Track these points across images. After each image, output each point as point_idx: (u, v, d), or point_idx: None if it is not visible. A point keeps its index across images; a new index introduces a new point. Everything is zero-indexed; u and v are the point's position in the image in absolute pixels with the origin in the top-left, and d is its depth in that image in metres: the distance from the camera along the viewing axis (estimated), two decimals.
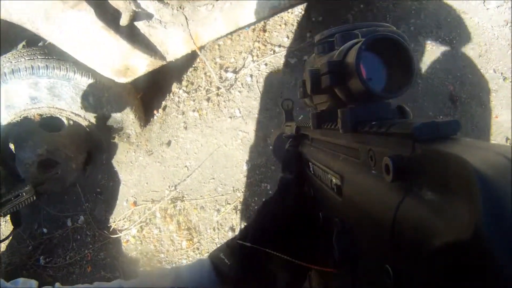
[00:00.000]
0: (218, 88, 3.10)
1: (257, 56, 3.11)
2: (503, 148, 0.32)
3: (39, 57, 2.13)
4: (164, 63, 2.20)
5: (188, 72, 3.25)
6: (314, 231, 0.83)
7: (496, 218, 0.26)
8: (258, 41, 3.14)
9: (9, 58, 2.22)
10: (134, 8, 1.89)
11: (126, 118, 2.79)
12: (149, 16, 1.98)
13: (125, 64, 2.10)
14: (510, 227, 0.26)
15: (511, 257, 0.25)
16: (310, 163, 0.85)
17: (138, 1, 1.92)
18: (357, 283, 0.59)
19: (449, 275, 0.31)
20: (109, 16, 1.88)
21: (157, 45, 2.06)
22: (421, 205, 0.37)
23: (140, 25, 1.99)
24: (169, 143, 3.08)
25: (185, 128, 3.09)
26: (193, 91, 3.18)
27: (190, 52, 2.17)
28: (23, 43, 2.49)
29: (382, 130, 0.49)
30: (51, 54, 2.11)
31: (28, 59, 2.13)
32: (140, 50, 2.03)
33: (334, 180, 0.66)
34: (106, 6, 1.87)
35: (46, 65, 2.12)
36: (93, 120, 2.65)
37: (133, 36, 2.00)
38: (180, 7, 1.96)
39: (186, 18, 1.97)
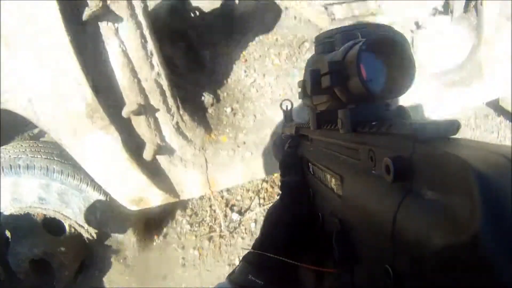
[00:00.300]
0: (221, 230, 2.97)
1: (264, 199, 3.01)
2: (503, 149, 0.31)
3: (55, 158, 2.12)
4: (177, 200, 2.22)
5: (193, 199, 3.12)
6: (315, 231, 0.81)
7: (496, 219, 0.26)
8: (267, 182, 3.06)
9: (25, 149, 2.21)
10: (159, 142, 1.94)
11: (128, 241, 2.77)
12: (171, 152, 2.00)
13: (140, 195, 2.11)
14: (510, 227, 0.25)
15: (510, 258, 0.24)
16: (309, 164, 0.84)
17: (164, 134, 1.95)
18: (357, 284, 0.58)
19: (449, 275, 0.30)
20: (134, 146, 1.90)
21: (175, 183, 2.07)
22: (421, 205, 0.37)
23: (161, 159, 2.00)
24: (164, 277, 2.91)
25: (183, 265, 2.93)
26: (196, 225, 3.04)
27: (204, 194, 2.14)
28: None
29: (382, 130, 0.48)
30: (68, 159, 2.09)
31: (45, 158, 2.12)
32: (158, 186, 2.05)
33: (334, 181, 0.65)
34: (133, 136, 1.90)
35: (61, 170, 2.11)
36: (94, 235, 2.61)
37: (153, 169, 2.01)
38: (203, 148, 1.99)
39: (206, 161, 2.00)
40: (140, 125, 1.93)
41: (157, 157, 2.01)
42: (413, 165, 0.39)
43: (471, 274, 0.27)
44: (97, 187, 2.22)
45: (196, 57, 2.47)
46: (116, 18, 1.79)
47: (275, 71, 2.24)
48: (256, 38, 2.41)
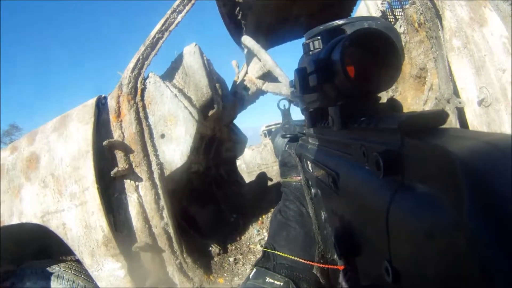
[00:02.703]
0: None
1: None
2: (491, 137, 0.26)
3: (82, 276, 2.06)
4: None
5: None
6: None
7: (482, 210, 0.21)
8: None
9: (60, 264, 2.15)
10: (162, 276, 1.89)
11: None
12: (172, 285, 1.90)
13: None
14: (498, 218, 0.20)
15: (498, 248, 0.19)
16: (308, 162, 0.70)
17: (167, 270, 1.91)
18: (361, 277, 0.47)
19: (443, 268, 0.25)
20: (139, 275, 1.85)
21: None
22: (412, 199, 0.30)
23: None
24: None
25: None
26: None
27: None
28: None
29: (371, 125, 0.40)
30: (91, 278, 2.06)
31: (73, 274, 2.06)
32: None
33: (331, 178, 0.52)
34: (139, 267, 1.85)
35: (85, 286, 2.04)
36: None
37: None
38: (201, 286, 1.93)
39: None
40: (147, 259, 1.84)
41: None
42: (403, 159, 0.32)
43: (464, 265, 0.22)
44: None
45: (221, 218, 2.56)
46: (137, 178, 1.88)
47: None
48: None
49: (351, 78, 0.44)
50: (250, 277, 0.72)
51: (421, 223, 0.27)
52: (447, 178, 0.25)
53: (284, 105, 1.06)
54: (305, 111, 0.67)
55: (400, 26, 1.75)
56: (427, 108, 1.57)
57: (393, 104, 0.47)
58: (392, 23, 2.48)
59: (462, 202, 0.22)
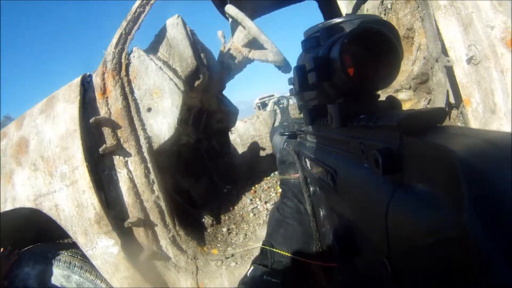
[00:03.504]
0: None
1: None
2: (491, 135, 0.25)
3: (79, 257, 2.09)
4: None
5: None
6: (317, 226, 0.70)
7: (482, 208, 0.21)
8: None
9: (55, 246, 2.21)
10: (156, 249, 1.90)
11: None
12: (166, 259, 1.93)
13: None
14: (498, 216, 0.20)
15: (498, 247, 0.19)
16: (307, 159, 0.70)
17: (160, 244, 1.93)
18: (358, 276, 0.48)
19: (442, 266, 0.25)
20: (132, 251, 1.87)
21: (169, 283, 2.01)
22: (411, 198, 0.30)
23: (158, 264, 1.96)
24: None
25: None
26: None
27: None
28: None
29: (370, 123, 0.39)
30: (88, 258, 2.09)
31: (69, 255, 2.09)
32: (152, 284, 2.00)
33: (329, 175, 0.52)
34: (132, 242, 1.88)
35: (81, 266, 2.07)
36: None
37: (149, 271, 1.97)
38: (195, 257, 1.95)
39: (197, 268, 1.94)
40: (140, 234, 1.86)
41: (154, 262, 1.92)
42: (402, 157, 0.32)
43: (463, 263, 0.22)
44: (109, 283, 2.12)
45: (214, 190, 2.57)
46: (126, 154, 1.87)
47: (277, 199, 2.23)
48: (272, 174, 2.52)
49: (350, 76, 0.44)
50: (248, 275, 0.73)
51: (421, 221, 0.27)
52: (446, 176, 0.25)
53: (283, 103, 1.06)
54: (304, 109, 0.66)
55: None
56: (416, 68, 1.57)
57: (392, 102, 0.48)
58: None
59: (462, 200, 0.22)
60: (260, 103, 11.71)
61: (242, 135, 4.97)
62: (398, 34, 0.55)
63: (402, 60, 0.45)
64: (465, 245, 0.21)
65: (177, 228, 1.92)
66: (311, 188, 0.71)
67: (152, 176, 1.88)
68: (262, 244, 0.75)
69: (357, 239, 0.46)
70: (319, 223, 0.68)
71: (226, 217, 2.23)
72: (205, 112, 2.58)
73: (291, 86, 0.64)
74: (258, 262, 0.73)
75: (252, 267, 0.73)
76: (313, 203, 0.70)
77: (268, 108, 8.15)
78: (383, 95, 0.48)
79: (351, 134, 0.46)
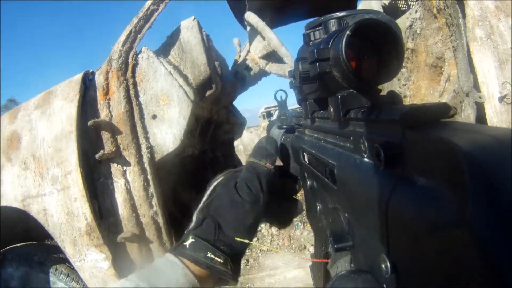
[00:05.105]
0: None
1: None
2: (496, 131, 0.28)
3: (66, 264, 2.12)
4: None
5: None
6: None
7: (486, 204, 0.22)
8: None
9: (42, 248, 2.24)
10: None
11: None
12: None
13: None
14: (503, 212, 0.21)
15: (504, 244, 0.21)
16: (305, 153, 0.74)
17: None
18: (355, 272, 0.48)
19: (444, 263, 0.27)
20: (123, 266, 1.89)
21: None
22: (413, 192, 0.32)
23: None
24: None
25: None
26: None
27: None
28: None
29: (372, 117, 0.43)
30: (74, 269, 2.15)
31: (56, 261, 2.14)
32: None
33: (328, 169, 0.57)
34: (123, 256, 1.90)
35: (68, 274, 2.12)
36: None
37: None
38: None
39: None
40: (133, 251, 1.88)
41: None
42: (404, 151, 0.35)
43: (467, 260, 0.24)
44: None
45: None
46: (125, 162, 1.88)
47: None
48: None
49: (352, 69, 0.47)
50: (187, 246, 0.71)
51: (422, 217, 0.29)
52: (450, 172, 0.27)
53: (281, 96, 1.10)
54: (303, 102, 0.70)
55: (416, 11, 1.76)
56: (444, 100, 1.59)
57: (393, 96, 0.52)
58: (403, 9, 2.48)
59: (466, 196, 0.23)
60: (265, 112, 11.84)
61: (246, 145, 5.02)
62: (400, 29, 0.59)
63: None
64: (469, 241, 0.23)
65: None
66: (309, 182, 0.74)
67: (152, 189, 1.89)
68: (204, 215, 0.75)
69: (355, 234, 0.49)
70: (315, 218, 0.71)
71: None
72: (213, 123, 2.61)
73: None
74: (199, 234, 0.72)
75: (192, 239, 0.72)
76: (310, 198, 0.74)
77: (274, 118, 8.25)
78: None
79: (351, 128, 0.49)
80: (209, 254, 0.69)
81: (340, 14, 0.61)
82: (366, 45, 0.49)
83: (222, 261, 0.70)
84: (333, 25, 0.57)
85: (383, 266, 0.37)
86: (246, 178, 0.76)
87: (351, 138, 0.49)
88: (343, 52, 0.47)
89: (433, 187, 0.29)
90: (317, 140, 0.66)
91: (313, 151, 0.66)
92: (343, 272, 0.50)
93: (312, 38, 0.62)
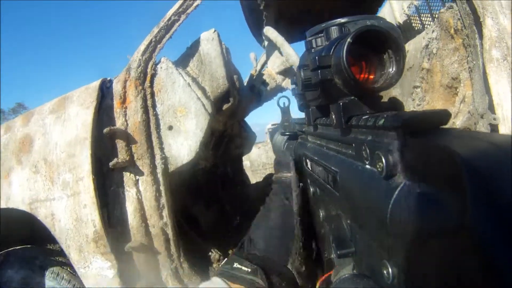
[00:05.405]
0: None
1: None
2: (494, 137, 0.29)
3: (68, 270, 2.14)
4: None
5: None
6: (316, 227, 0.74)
7: (486, 210, 0.23)
8: None
9: (45, 252, 2.25)
10: (154, 279, 1.94)
11: None
12: None
13: None
14: (502, 217, 0.22)
15: (504, 248, 0.21)
16: (307, 160, 0.75)
17: (161, 275, 1.96)
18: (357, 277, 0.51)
19: (444, 266, 0.28)
20: (129, 276, 1.90)
21: None
22: (414, 198, 0.33)
23: None
24: None
25: None
26: None
27: None
28: None
29: (373, 124, 0.43)
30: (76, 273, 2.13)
31: (58, 266, 2.15)
32: None
33: (330, 176, 0.58)
34: (129, 266, 1.91)
35: (70, 280, 2.12)
36: None
37: None
38: None
39: None
40: (140, 261, 1.88)
41: None
42: (405, 158, 0.36)
43: (468, 264, 0.24)
44: None
45: (225, 220, 2.64)
46: (138, 172, 1.90)
47: None
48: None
49: (353, 76, 0.48)
50: (221, 264, 0.77)
51: (423, 223, 0.30)
52: (450, 178, 0.28)
53: (284, 103, 1.11)
54: (306, 109, 0.71)
55: (433, 31, 1.75)
56: (459, 122, 1.58)
57: (395, 103, 0.52)
58: (417, 29, 2.47)
59: (466, 202, 0.24)
60: (272, 129, 11.86)
61: (253, 161, 5.03)
62: (401, 35, 0.59)
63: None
64: (469, 244, 0.23)
65: (181, 259, 1.92)
66: (311, 189, 0.75)
67: (163, 200, 1.90)
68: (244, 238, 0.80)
69: (358, 239, 0.49)
70: (318, 224, 0.72)
71: None
72: (227, 137, 2.63)
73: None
74: (234, 253, 0.78)
75: (227, 258, 0.78)
76: (312, 204, 0.75)
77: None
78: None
79: (353, 135, 0.50)
80: (235, 264, 0.74)
81: (342, 20, 0.62)
82: (368, 51, 0.50)
83: (249, 269, 0.72)
84: (334, 32, 0.58)
85: (385, 272, 0.38)
86: (271, 194, 0.83)
87: (353, 145, 0.49)
88: (345, 59, 0.48)
89: (433, 193, 0.30)
90: (320, 147, 0.67)
91: (316, 158, 0.67)
92: (346, 275, 0.51)
93: (314, 45, 0.62)
